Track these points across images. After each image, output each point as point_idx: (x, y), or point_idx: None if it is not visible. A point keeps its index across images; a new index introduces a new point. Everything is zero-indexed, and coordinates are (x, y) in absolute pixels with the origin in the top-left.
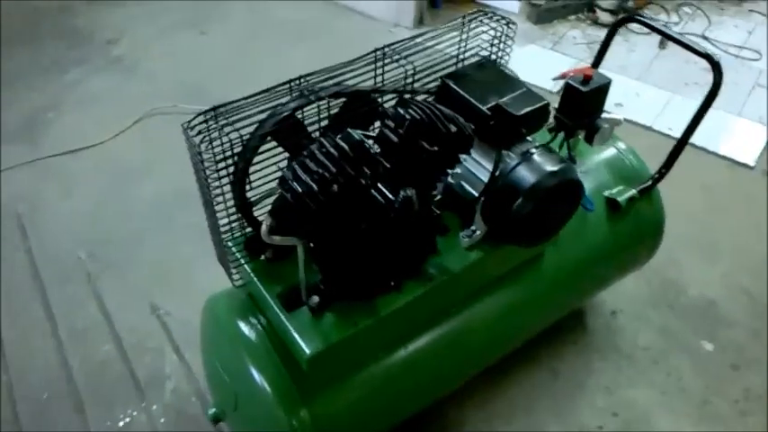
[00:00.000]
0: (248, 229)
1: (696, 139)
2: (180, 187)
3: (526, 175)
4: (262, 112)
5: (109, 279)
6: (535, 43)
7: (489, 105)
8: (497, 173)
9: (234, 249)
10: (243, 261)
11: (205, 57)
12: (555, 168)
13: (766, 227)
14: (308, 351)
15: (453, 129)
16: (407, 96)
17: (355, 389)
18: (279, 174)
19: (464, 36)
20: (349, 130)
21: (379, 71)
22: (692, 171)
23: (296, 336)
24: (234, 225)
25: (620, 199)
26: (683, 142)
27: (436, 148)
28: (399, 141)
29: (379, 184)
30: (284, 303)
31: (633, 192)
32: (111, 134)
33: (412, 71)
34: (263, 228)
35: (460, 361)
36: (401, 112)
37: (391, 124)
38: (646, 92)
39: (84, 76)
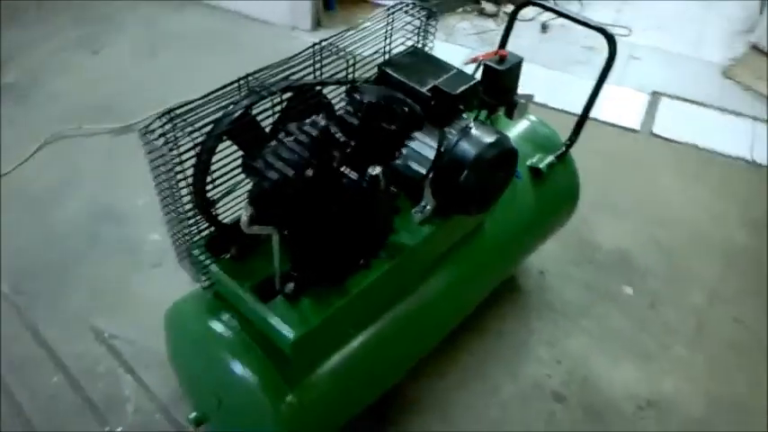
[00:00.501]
0: (204, 232)
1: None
2: (100, 205)
3: (469, 149)
4: (217, 111)
5: (41, 309)
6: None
7: (428, 87)
8: (443, 149)
9: (198, 251)
10: (208, 262)
11: (104, 76)
12: (493, 139)
13: (658, 182)
14: (291, 336)
15: (406, 109)
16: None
17: (334, 370)
18: (234, 172)
19: (389, 28)
20: (314, 117)
21: (318, 65)
22: (587, 140)
23: (277, 323)
24: (193, 228)
25: (541, 166)
26: (588, 108)
27: (394, 128)
28: (360, 124)
29: (346, 167)
30: (260, 295)
31: (552, 158)
32: (14, 163)
33: (353, 62)
34: (243, 218)
35: (424, 332)
36: (358, 97)
37: (350, 109)
38: (536, 72)
39: None
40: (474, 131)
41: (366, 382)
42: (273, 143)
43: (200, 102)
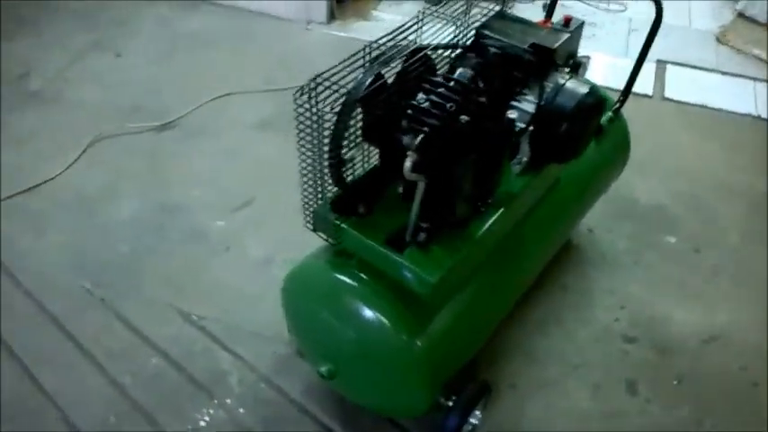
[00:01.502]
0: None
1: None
2: (156, 201)
3: (568, 100)
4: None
5: (126, 300)
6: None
7: (528, 44)
8: (542, 103)
9: (331, 212)
10: (339, 221)
11: (130, 77)
12: (588, 90)
13: (676, 141)
14: (432, 279)
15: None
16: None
17: (456, 311)
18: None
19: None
20: (460, 70)
21: (426, 33)
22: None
23: (416, 269)
24: (329, 188)
25: (601, 121)
26: (636, 71)
27: (520, 76)
28: (494, 73)
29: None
30: (394, 247)
31: (609, 114)
32: (63, 166)
33: (464, 26)
34: (407, 165)
35: (523, 274)
36: (488, 50)
37: (480, 60)
38: None
39: (5, 117)
40: (569, 84)
41: (480, 323)
42: (420, 96)
43: (336, 69)
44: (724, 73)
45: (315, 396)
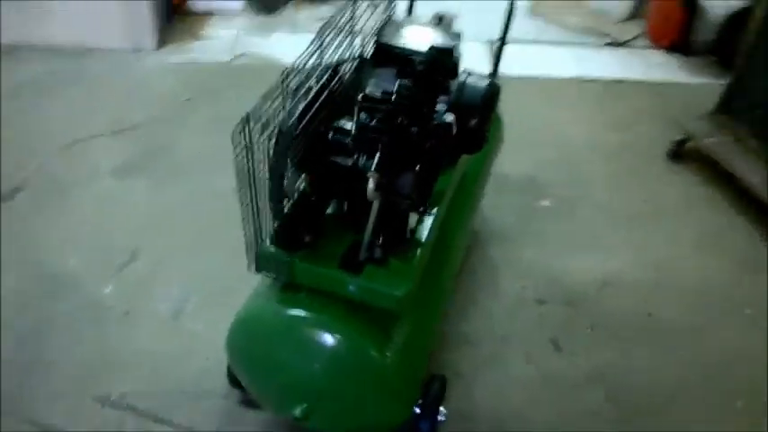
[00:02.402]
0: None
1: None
2: (34, 277)
3: (476, 95)
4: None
5: (30, 401)
6: (277, 32)
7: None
8: (451, 101)
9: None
10: (286, 257)
11: None
12: (488, 82)
13: (528, 111)
14: (400, 293)
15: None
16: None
17: (412, 316)
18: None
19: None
20: (400, 81)
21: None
22: None
23: (382, 287)
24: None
25: None
26: (498, 54)
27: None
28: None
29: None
30: (351, 270)
31: None
32: None
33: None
34: (371, 185)
35: (453, 264)
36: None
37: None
38: None
39: None
40: (470, 80)
41: (431, 321)
42: (362, 116)
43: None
44: (543, 42)
45: None
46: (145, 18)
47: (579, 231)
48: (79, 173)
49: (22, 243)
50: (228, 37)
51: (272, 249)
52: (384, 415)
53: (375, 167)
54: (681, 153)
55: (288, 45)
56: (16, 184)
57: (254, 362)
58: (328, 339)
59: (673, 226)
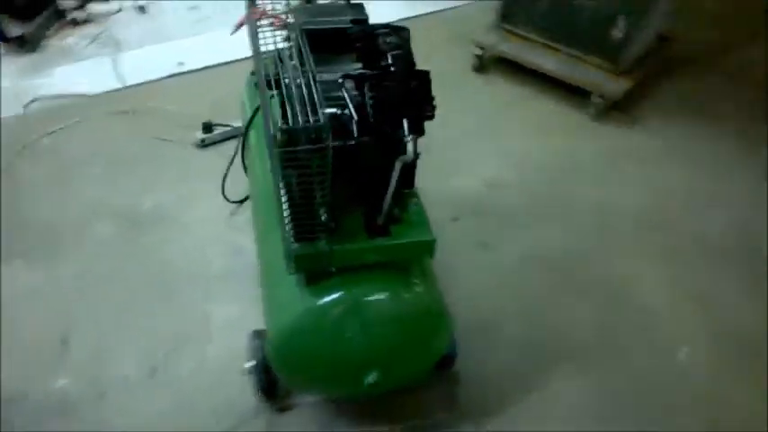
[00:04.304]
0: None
1: None
2: None
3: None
4: None
5: None
6: (57, 66)
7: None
8: None
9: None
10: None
11: None
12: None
13: None
14: (430, 238)
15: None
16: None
17: None
18: None
19: None
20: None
21: None
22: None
23: (414, 238)
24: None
25: None
26: None
27: None
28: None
29: None
30: (382, 235)
31: None
32: None
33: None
34: (410, 147)
35: None
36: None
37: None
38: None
39: None
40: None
41: None
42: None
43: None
44: None
45: None
46: None
47: (442, 158)
48: None
49: None
50: (4, 90)
51: (309, 246)
52: (439, 348)
53: (409, 130)
54: (484, 64)
55: (79, 74)
56: None
57: (316, 358)
58: (385, 302)
59: (511, 123)
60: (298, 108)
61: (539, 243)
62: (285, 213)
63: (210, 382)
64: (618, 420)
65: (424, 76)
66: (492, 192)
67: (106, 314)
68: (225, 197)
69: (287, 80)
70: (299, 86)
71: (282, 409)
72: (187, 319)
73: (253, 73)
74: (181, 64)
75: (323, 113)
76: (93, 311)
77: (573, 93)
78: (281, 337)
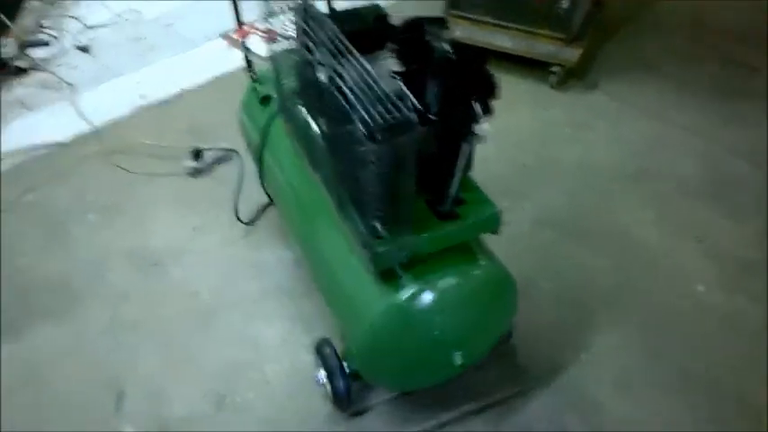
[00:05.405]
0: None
1: None
2: None
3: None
4: None
5: None
6: (12, 119)
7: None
8: None
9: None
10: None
11: None
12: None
13: None
14: (496, 211)
15: None
16: None
17: None
18: None
19: None
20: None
21: None
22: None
23: (481, 216)
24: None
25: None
26: None
27: None
28: None
29: None
30: (452, 219)
31: None
32: None
33: None
34: (486, 126)
35: None
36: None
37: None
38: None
39: None
40: None
41: None
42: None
43: None
44: None
45: None
46: None
47: None
48: None
49: None
50: None
51: (390, 241)
52: (510, 313)
53: (484, 112)
54: None
55: (41, 123)
56: None
57: (404, 352)
58: (461, 283)
59: None
60: (372, 104)
61: (541, 208)
62: (356, 215)
63: (282, 399)
64: (665, 356)
65: (484, 57)
66: (480, 167)
67: (151, 357)
68: (239, 218)
69: (346, 82)
70: (357, 85)
71: (358, 413)
72: (235, 346)
73: (255, 89)
74: (143, 96)
75: (412, 102)
76: (136, 358)
77: (531, 66)
78: (366, 338)
